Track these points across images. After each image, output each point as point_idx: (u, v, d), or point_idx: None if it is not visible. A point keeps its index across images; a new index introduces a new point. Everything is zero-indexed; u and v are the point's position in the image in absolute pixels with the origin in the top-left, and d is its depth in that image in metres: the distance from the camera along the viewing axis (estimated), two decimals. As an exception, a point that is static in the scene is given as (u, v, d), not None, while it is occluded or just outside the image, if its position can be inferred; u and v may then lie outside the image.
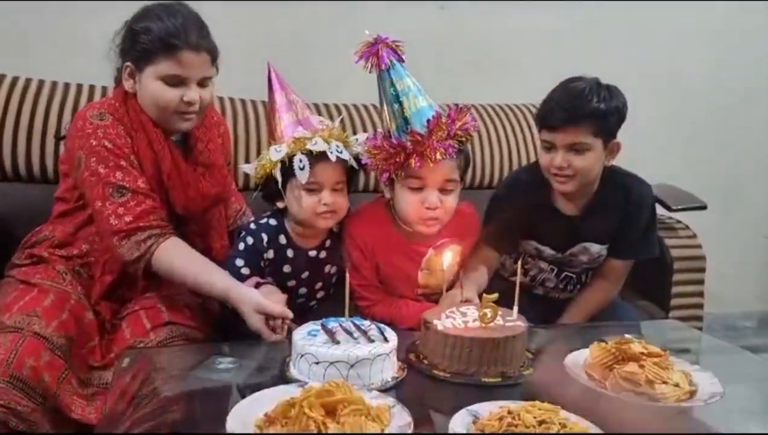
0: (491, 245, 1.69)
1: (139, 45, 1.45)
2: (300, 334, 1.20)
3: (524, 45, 2.59)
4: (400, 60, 1.47)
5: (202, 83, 1.50)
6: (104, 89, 1.93)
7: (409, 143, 1.42)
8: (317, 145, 1.43)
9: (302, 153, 1.44)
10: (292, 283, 1.59)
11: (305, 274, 1.59)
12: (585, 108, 1.55)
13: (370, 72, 1.47)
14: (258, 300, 1.38)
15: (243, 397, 1.05)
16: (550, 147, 1.60)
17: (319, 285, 1.64)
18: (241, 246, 1.55)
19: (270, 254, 1.55)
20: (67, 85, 1.96)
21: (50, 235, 1.58)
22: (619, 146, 1.63)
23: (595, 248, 1.70)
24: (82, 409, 1.32)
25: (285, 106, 1.51)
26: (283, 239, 1.56)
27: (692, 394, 1.13)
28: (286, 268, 1.57)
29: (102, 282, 1.52)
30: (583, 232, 1.69)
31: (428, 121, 1.42)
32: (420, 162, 1.41)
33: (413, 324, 1.49)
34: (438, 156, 1.40)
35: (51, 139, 1.88)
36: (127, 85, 1.51)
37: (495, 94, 2.43)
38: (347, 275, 1.25)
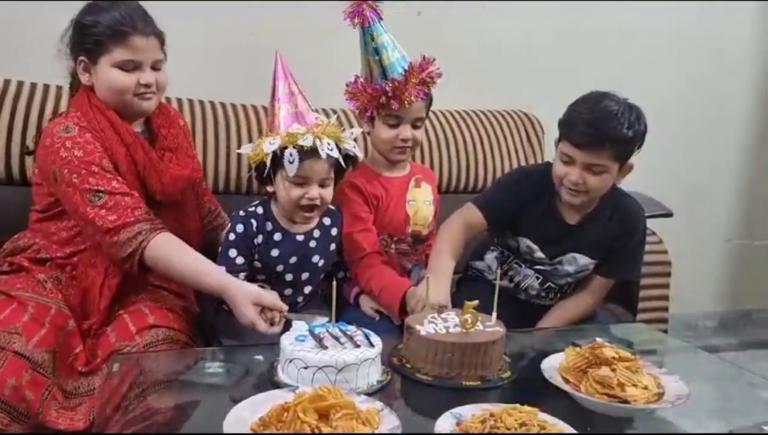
0: (482, 210, 1.74)
1: (90, 38, 1.51)
2: (288, 339, 1.23)
3: (501, 51, 2.63)
4: (380, 18, 1.71)
5: (155, 66, 1.56)
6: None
7: (388, 88, 1.68)
8: (307, 142, 1.50)
9: (293, 147, 1.50)
10: (280, 267, 1.63)
11: (293, 259, 1.63)
12: (613, 133, 1.54)
13: (354, 28, 1.71)
14: (255, 290, 1.44)
15: (233, 401, 1.07)
16: (568, 161, 1.61)
17: (305, 276, 1.67)
18: (232, 236, 1.60)
19: (259, 239, 1.61)
20: (33, 85, 1.95)
21: (30, 243, 1.59)
22: (632, 167, 1.64)
23: (583, 261, 1.73)
24: (70, 419, 1.33)
25: (286, 97, 1.58)
26: (269, 226, 1.62)
27: (660, 396, 1.18)
28: (274, 252, 1.62)
29: (109, 286, 1.52)
30: (576, 241, 1.71)
31: (405, 70, 1.69)
32: (398, 104, 1.68)
33: (388, 297, 1.67)
34: (412, 98, 1.68)
35: (28, 139, 1.87)
36: (84, 78, 1.56)
37: (473, 99, 2.47)
38: (334, 282, 1.29)
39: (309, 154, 1.51)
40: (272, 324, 1.41)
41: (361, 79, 1.74)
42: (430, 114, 2.31)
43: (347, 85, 1.76)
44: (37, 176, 1.59)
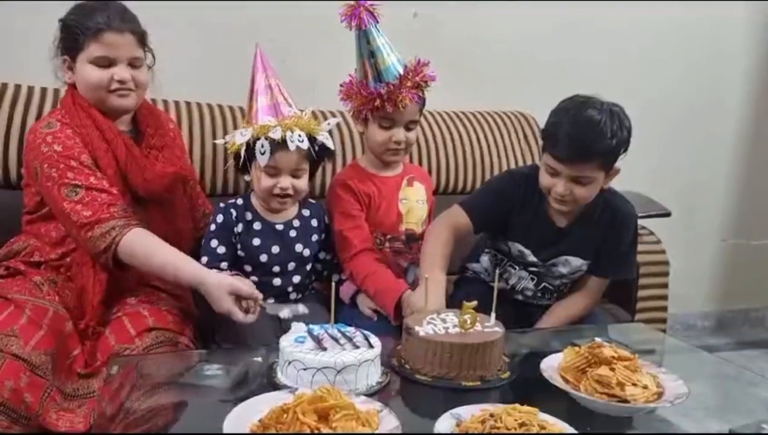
0: (469, 214, 1.73)
1: (70, 37, 1.54)
2: (287, 340, 1.23)
3: (498, 51, 2.63)
4: (376, 21, 1.71)
5: (133, 64, 1.57)
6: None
7: (383, 91, 1.68)
8: (276, 134, 1.55)
9: (265, 138, 1.56)
10: (264, 257, 1.66)
11: (275, 249, 1.67)
12: (597, 146, 1.51)
13: (350, 30, 1.70)
14: (230, 281, 1.46)
15: (232, 403, 1.07)
16: (553, 173, 1.59)
17: (292, 266, 1.69)
18: (213, 227, 1.66)
19: (239, 228, 1.66)
20: (30, 88, 1.94)
21: (24, 246, 1.59)
22: (618, 171, 1.62)
23: (576, 262, 1.73)
24: (70, 421, 1.33)
25: (263, 90, 1.62)
26: (249, 215, 1.68)
27: (659, 395, 1.19)
28: (256, 241, 1.66)
29: (99, 281, 1.53)
30: (568, 244, 1.71)
31: (400, 75, 1.70)
32: (392, 107, 1.69)
33: (385, 297, 1.66)
34: (407, 102, 1.69)
35: (21, 143, 1.87)
36: (66, 77, 1.59)
37: (469, 99, 2.48)
38: (332, 284, 1.29)
39: (279, 145, 1.56)
40: (248, 312, 1.45)
41: (356, 81, 1.76)
42: (427, 115, 2.33)
43: (341, 86, 1.78)
44: (24, 175, 1.60)
